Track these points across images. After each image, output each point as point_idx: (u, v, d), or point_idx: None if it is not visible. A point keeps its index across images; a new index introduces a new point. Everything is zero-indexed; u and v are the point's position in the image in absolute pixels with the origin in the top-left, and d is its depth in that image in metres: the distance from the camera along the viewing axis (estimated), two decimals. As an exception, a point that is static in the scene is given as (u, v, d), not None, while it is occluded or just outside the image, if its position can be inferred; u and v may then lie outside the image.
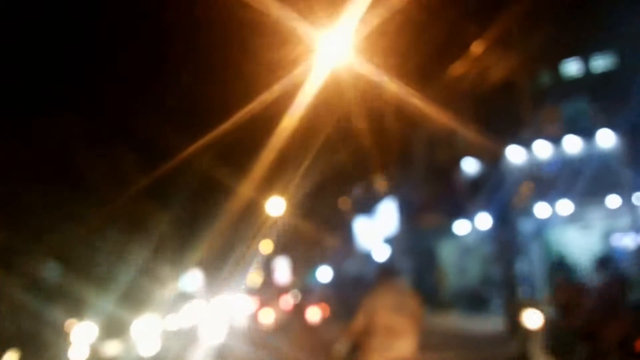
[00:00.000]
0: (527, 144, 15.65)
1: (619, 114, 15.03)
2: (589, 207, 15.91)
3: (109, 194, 19.27)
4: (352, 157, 20.63)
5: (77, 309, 15.37)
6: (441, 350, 10.80)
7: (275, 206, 32.31)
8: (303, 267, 42.13)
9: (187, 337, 17.06)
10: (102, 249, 18.85)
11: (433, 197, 18.88)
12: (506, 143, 14.03)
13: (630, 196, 15.41)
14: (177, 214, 23.80)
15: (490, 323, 15.71)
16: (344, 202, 27.92)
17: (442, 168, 18.87)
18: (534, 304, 8.96)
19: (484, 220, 17.27)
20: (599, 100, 15.92)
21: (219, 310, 22.77)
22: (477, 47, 15.31)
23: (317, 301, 21.46)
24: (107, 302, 15.45)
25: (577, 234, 16.33)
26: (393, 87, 16.86)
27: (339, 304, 26.19)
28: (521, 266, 14.38)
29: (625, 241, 16.04)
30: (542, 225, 16.05)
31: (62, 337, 14.05)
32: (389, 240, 20.30)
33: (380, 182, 19.49)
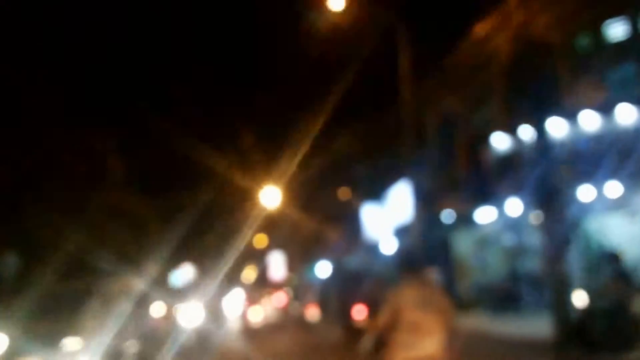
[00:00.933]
0: (568, 115, 13.14)
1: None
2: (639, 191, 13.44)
3: (82, 177, 16.87)
4: (358, 135, 18.12)
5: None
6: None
7: (270, 197, 30.16)
8: (300, 262, 39.77)
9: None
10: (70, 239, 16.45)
11: (454, 178, 16.39)
12: (543, 114, 11.54)
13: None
14: (160, 203, 21.34)
15: (526, 326, 13.29)
16: (344, 193, 25.40)
17: (466, 145, 16.37)
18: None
19: (514, 206, 14.77)
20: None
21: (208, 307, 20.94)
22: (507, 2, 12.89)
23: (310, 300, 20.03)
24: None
25: (623, 221, 13.85)
26: (408, 50, 14.49)
27: (337, 301, 24.00)
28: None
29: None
30: (584, 211, 13.55)
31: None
32: (401, 230, 17.73)
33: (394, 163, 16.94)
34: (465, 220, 17.29)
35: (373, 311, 15.74)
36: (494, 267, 16.77)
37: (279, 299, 34.23)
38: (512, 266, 16.44)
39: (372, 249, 20.34)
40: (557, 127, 12.84)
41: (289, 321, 22.93)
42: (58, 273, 14.99)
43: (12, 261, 15.53)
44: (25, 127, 16.29)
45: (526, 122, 12.48)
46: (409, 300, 4.45)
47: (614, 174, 13.04)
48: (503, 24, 13.00)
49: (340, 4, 12.06)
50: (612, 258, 9.13)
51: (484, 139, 15.64)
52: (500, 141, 15.06)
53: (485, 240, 17.14)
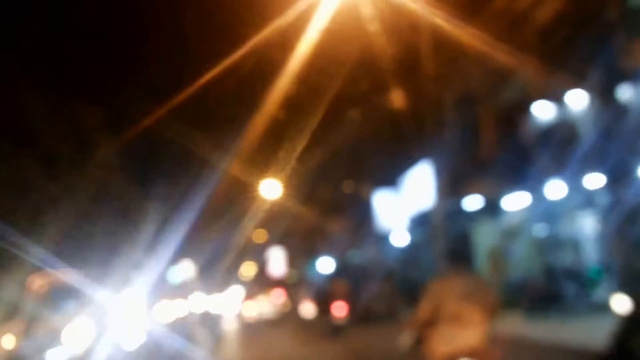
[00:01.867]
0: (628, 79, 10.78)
1: None
2: None
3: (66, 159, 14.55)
4: (366, 120, 15.80)
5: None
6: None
7: (270, 189, 28.35)
8: (301, 257, 37.52)
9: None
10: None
11: (480, 159, 14.04)
12: (605, 75, 9.25)
13: None
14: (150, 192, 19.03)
15: (573, 330, 10.98)
16: (349, 184, 23.11)
17: (495, 120, 14.02)
18: None
19: (554, 189, 12.43)
20: None
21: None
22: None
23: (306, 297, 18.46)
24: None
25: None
26: (430, 14, 12.27)
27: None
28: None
29: None
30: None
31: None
32: (420, 218, 15.34)
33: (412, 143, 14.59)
34: (491, 207, 14.95)
35: (354, 308, 14.23)
36: (525, 262, 14.43)
37: (277, 295, 32.37)
38: (546, 260, 14.10)
39: (382, 241, 18.05)
40: (621, 92, 10.47)
41: (285, 318, 21.55)
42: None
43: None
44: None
45: (579, 86, 10.14)
46: (452, 292, 4.26)
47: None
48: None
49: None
50: None
51: (519, 110, 13.29)
52: (542, 111, 12.70)
53: (514, 231, 14.82)
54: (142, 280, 15.07)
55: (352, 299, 16.63)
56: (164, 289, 22.76)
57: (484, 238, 15.25)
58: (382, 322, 14.58)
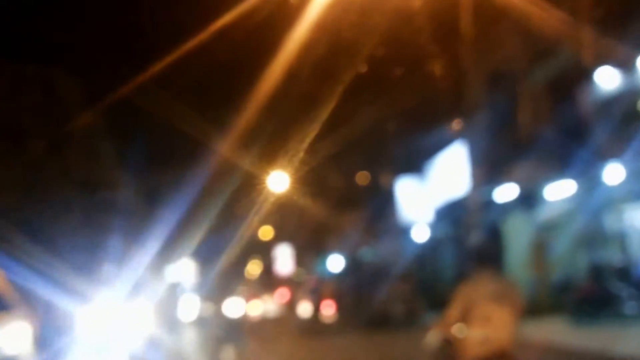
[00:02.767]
0: None
1: None
2: None
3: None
4: (386, 104, 13.96)
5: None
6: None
7: (277, 181, 26.65)
8: (310, 255, 35.73)
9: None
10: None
11: (518, 142, 12.16)
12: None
13: None
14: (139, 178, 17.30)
15: (635, 340, 9.14)
16: (364, 176, 21.28)
17: (543, 93, 12.14)
18: None
19: (612, 173, 10.57)
20: None
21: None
22: None
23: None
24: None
25: None
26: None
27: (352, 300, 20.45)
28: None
29: None
30: None
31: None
32: (446, 210, 13.45)
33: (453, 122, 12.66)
34: (527, 197, 13.09)
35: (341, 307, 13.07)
36: (568, 260, 12.54)
37: (281, 294, 30.93)
38: (593, 258, 12.22)
39: (402, 235, 16.22)
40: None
41: (287, 317, 20.93)
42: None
43: None
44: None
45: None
46: (483, 294, 4.19)
47: None
48: None
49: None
50: None
51: (568, 82, 11.39)
52: (601, 80, 10.80)
53: (555, 224, 12.97)
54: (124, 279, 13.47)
55: (341, 298, 16.94)
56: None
57: (519, 233, 13.36)
58: (399, 327, 12.78)
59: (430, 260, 17.41)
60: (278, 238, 43.70)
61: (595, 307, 11.02)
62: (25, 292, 9.28)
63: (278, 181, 25.75)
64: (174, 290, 18.49)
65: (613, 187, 10.84)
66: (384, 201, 16.49)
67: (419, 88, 12.35)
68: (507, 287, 4.32)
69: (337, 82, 13.96)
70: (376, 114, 14.32)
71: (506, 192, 13.08)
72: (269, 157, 23.40)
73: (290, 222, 39.12)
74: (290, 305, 21.99)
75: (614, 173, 10.65)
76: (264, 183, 25.36)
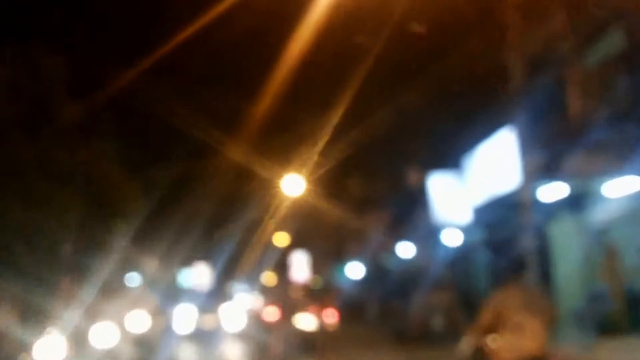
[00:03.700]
0: None
1: None
2: None
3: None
4: (421, 80, 12.31)
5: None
6: None
7: (293, 184, 25.01)
8: (328, 262, 34.04)
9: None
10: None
11: (572, 130, 10.40)
12: None
13: None
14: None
15: None
16: (388, 174, 19.58)
17: (596, 77, 10.42)
18: None
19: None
20: None
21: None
22: None
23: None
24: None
25: None
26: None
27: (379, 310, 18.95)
28: None
29: None
30: None
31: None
32: (496, 204, 11.65)
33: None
34: (578, 197, 11.34)
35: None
36: (629, 273, 10.74)
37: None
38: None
39: (433, 239, 14.52)
40: None
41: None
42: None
43: None
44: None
45: None
46: (515, 302, 4.29)
47: None
48: None
49: None
50: None
51: (627, 63, 9.70)
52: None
53: (614, 227, 11.22)
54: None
55: (342, 307, 17.21)
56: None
57: (570, 237, 11.58)
58: (440, 341, 11.05)
59: (467, 266, 15.69)
60: (294, 244, 42.20)
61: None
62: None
63: (293, 184, 24.16)
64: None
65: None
66: (413, 201, 14.82)
67: (455, 72, 10.73)
68: (539, 296, 4.42)
69: (360, 68, 12.41)
70: (405, 103, 12.70)
71: (554, 190, 11.31)
72: (285, 158, 21.77)
73: (307, 227, 37.54)
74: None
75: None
76: (278, 186, 23.85)
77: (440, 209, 12.13)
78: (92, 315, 9.04)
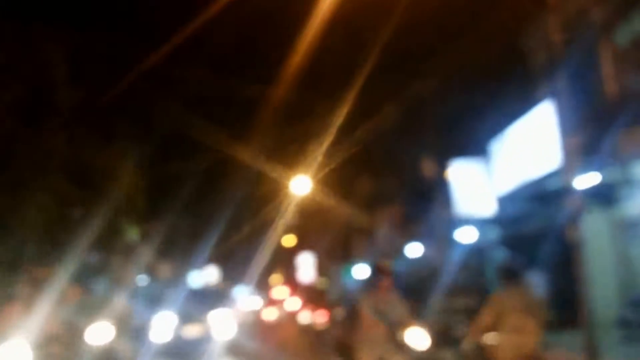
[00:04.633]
0: None
1: None
2: None
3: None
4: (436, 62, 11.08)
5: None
6: None
7: (300, 185, 23.95)
8: (335, 263, 32.79)
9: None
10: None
11: (605, 110, 9.17)
12: None
13: None
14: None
15: None
16: (397, 169, 18.34)
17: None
18: None
19: None
20: None
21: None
22: None
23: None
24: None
25: None
26: None
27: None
28: None
29: None
30: None
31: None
32: (520, 198, 10.32)
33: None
34: (607, 188, 10.07)
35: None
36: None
37: (294, 302, 29.79)
38: None
39: (448, 236, 13.25)
40: None
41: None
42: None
43: None
44: None
45: None
46: (513, 306, 4.51)
47: None
48: None
49: None
50: None
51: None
52: None
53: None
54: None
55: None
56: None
57: (602, 234, 10.25)
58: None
59: (483, 266, 14.42)
60: (300, 246, 41.06)
61: None
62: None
63: (301, 184, 23.01)
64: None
65: None
66: (428, 195, 13.53)
67: (478, 47, 9.53)
68: (531, 300, 4.62)
69: (371, 54, 11.29)
70: (419, 87, 11.51)
71: (586, 176, 10.03)
72: (294, 158, 20.66)
73: (314, 228, 36.37)
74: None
75: None
76: (287, 187, 22.71)
77: (462, 202, 10.80)
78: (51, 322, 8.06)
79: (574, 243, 7.78)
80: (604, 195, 10.58)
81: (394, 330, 5.21)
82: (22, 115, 10.77)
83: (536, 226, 13.45)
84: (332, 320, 16.27)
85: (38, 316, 7.07)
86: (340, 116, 14.55)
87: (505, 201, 10.55)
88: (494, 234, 15.26)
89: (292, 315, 23.11)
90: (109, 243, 12.06)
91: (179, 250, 25.09)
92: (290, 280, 45.13)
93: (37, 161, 10.61)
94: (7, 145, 10.42)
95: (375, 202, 20.04)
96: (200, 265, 41.92)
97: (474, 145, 11.12)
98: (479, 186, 10.65)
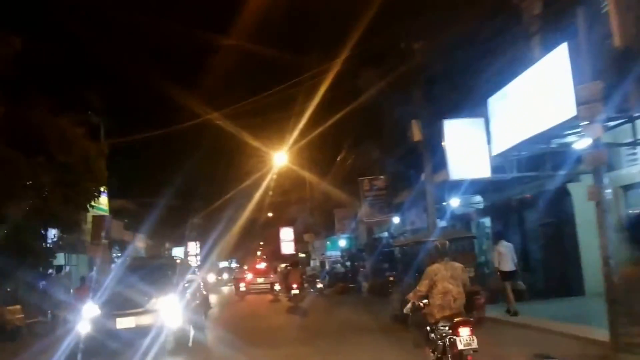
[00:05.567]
0: None
1: None
2: None
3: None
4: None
5: None
6: None
7: (281, 159, 23.03)
8: (318, 235, 31.85)
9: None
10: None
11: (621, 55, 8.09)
12: None
13: None
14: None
15: None
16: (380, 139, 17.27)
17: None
18: None
19: None
20: None
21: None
22: None
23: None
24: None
25: None
26: None
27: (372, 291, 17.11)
28: None
29: None
30: None
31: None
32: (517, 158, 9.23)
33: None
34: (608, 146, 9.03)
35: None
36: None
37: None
38: None
39: (436, 204, 12.19)
40: None
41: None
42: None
43: None
44: None
45: None
46: (443, 275, 5.68)
47: None
48: None
49: None
50: None
51: None
52: None
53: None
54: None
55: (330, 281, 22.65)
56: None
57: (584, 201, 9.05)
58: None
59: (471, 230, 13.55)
60: (282, 219, 40.17)
61: None
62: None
63: (283, 158, 21.88)
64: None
65: None
66: (416, 160, 12.41)
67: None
68: (458, 270, 5.75)
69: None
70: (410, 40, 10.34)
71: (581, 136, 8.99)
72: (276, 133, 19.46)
73: (295, 203, 35.39)
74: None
75: None
76: (268, 161, 21.47)
77: (455, 165, 9.72)
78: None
79: (596, 202, 6.83)
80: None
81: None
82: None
83: (528, 192, 12.54)
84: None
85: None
86: (324, 80, 13.32)
87: (500, 162, 9.58)
88: (483, 199, 14.36)
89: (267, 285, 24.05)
90: (66, 215, 10.80)
91: (155, 226, 23.85)
92: (269, 254, 44.61)
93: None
94: None
95: (360, 173, 18.96)
96: (180, 242, 40.87)
97: (469, 104, 10.06)
98: (473, 147, 9.64)
